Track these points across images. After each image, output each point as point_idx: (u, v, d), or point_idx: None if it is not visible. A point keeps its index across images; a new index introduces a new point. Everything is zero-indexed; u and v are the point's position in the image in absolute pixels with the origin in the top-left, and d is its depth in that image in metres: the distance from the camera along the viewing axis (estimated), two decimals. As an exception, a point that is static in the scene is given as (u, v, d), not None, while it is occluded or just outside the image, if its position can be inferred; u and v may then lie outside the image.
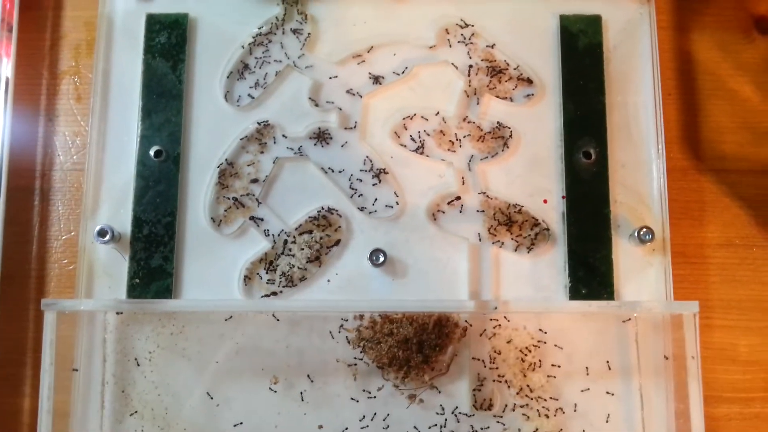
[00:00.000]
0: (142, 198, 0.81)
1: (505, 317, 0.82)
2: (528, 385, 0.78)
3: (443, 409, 0.77)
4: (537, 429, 0.78)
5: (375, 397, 0.77)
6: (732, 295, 0.83)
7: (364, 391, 0.78)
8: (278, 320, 0.83)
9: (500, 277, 0.81)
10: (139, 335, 0.82)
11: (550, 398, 0.77)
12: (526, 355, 0.79)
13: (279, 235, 0.82)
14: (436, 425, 0.77)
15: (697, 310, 0.73)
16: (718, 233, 0.85)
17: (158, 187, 0.82)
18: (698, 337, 0.73)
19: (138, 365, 0.81)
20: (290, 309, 0.78)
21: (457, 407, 0.78)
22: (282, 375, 0.78)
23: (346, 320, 0.82)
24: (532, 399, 0.77)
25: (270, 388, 0.78)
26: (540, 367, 0.78)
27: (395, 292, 0.80)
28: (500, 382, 0.77)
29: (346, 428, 0.77)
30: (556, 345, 0.78)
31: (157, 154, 0.84)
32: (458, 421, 0.77)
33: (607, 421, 0.77)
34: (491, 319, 0.81)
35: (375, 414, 0.77)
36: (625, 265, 0.81)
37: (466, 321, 0.78)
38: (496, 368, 0.78)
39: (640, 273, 0.81)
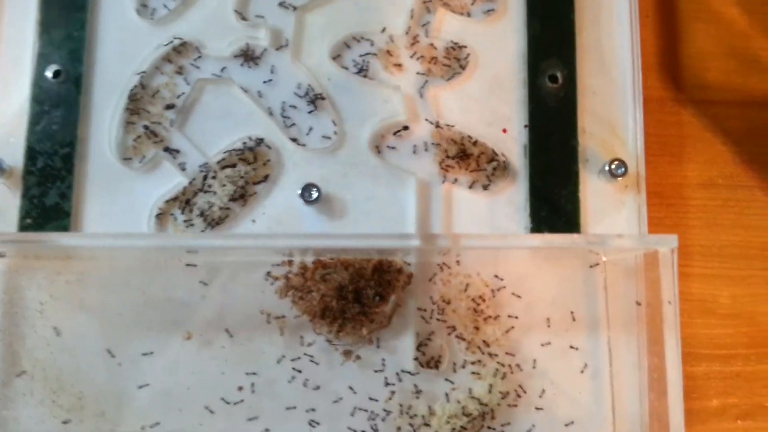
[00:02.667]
0: (37, 125, 0.72)
1: (456, 262, 0.72)
2: (482, 340, 0.70)
3: (384, 366, 0.69)
4: (490, 388, 0.70)
5: (305, 354, 0.70)
6: (713, 240, 0.77)
7: (292, 347, 0.70)
8: (194, 266, 0.72)
9: (452, 217, 0.73)
10: (29, 284, 0.71)
11: (506, 354, 0.70)
12: (479, 305, 0.71)
13: (198, 169, 0.74)
14: (375, 385, 0.69)
15: (676, 245, 0.63)
16: (698, 171, 0.79)
17: (56, 112, 0.73)
18: (677, 277, 0.64)
19: (27, 318, 0.69)
20: (199, 245, 0.66)
21: (399, 365, 0.70)
22: (197, 330, 0.70)
23: (277, 265, 0.71)
24: (485, 355, 0.70)
25: (183, 345, 0.70)
26: (495, 319, 0.71)
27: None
28: (449, 335, 0.70)
29: (271, 389, 0.69)
30: (513, 293, 0.71)
31: (56, 74, 0.74)
32: (400, 380, 0.69)
33: (569, 379, 0.70)
34: (439, 265, 0.71)
35: (304, 373, 0.69)
36: (594, 204, 0.74)
37: (409, 265, 0.69)
38: (445, 320, 0.70)
39: (611, 213, 0.74)
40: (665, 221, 0.76)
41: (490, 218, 0.73)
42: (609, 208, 0.74)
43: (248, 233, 0.72)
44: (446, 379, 0.69)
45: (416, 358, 0.69)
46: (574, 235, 0.69)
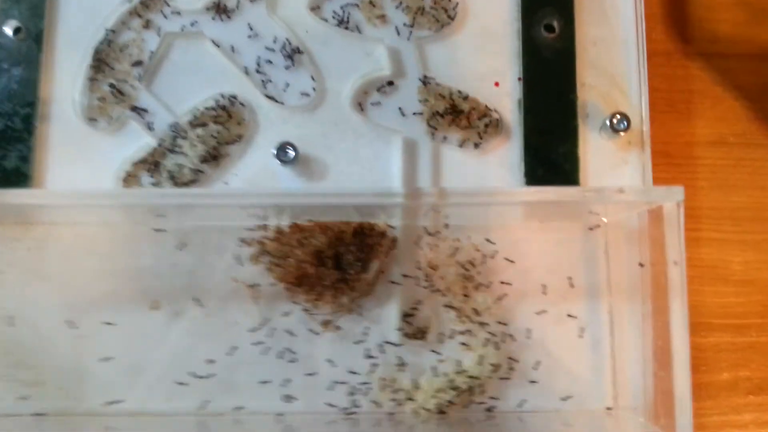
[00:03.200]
0: (-5, 85, 0.66)
1: (444, 225, 0.66)
2: (472, 308, 0.66)
3: (366, 337, 0.65)
4: (481, 360, 0.65)
5: (280, 324, 0.65)
6: (724, 202, 0.72)
7: (267, 317, 0.65)
8: (162, 231, 0.67)
9: (441, 178, 0.68)
10: (-14, 251, 0.66)
11: (498, 323, 0.65)
12: (469, 271, 0.66)
13: (167, 129, 0.69)
14: (356, 358, 0.65)
15: (682, 198, 0.57)
16: (708, 129, 0.74)
17: (15, 71, 0.69)
18: (683, 234, 0.57)
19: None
20: (166, 203, 0.60)
21: (382, 336, 0.65)
22: (165, 299, 0.66)
23: (251, 230, 0.67)
24: (475, 324, 0.65)
25: (149, 316, 0.66)
26: (487, 286, 0.66)
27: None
28: (437, 304, 0.66)
29: (244, 362, 0.65)
30: (506, 259, 0.66)
31: (16, 31, 0.70)
32: (383, 353, 0.65)
33: (567, 350, 0.65)
34: (426, 229, 0.65)
35: (280, 345, 0.65)
36: (594, 164, 0.68)
37: (393, 229, 0.65)
38: (433, 288, 0.66)
39: (613, 172, 0.68)
40: (672, 182, 0.70)
41: (482, 179, 0.68)
42: (610, 167, 0.69)
43: (219, 191, 0.67)
44: (433, 351, 0.65)
45: (401, 329, 0.65)
46: (571, 188, 0.64)
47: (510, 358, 0.65)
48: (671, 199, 0.57)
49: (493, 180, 0.68)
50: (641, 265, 0.63)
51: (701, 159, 0.74)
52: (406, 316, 0.65)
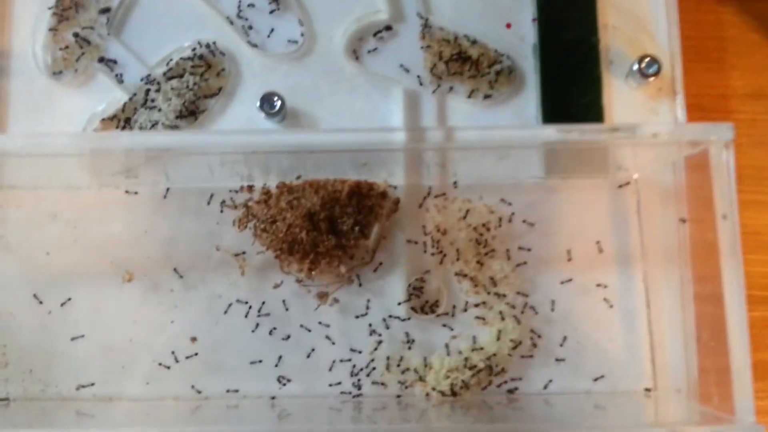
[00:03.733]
0: (-51, 36, 0.61)
1: (453, 183, 0.61)
2: (488, 277, 0.60)
3: (368, 311, 0.60)
4: (499, 335, 0.59)
5: (271, 297, 0.60)
6: (766, 160, 0.66)
7: (255, 290, 0.60)
8: (135, 194, 0.59)
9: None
10: (-62, 219, 0.60)
11: (518, 294, 0.60)
12: (482, 235, 0.60)
13: (139, 82, 0.63)
14: (357, 334, 0.59)
15: (732, 137, 0.50)
16: (745, 80, 0.68)
17: None
18: (734, 182, 0.50)
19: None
20: (133, 143, 0.52)
21: (387, 309, 0.60)
22: (139, 270, 0.60)
23: (235, 191, 0.61)
24: (491, 296, 0.60)
25: (123, 289, 0.60)
26: (504, 252, 0.60)
27: (298, 155, 0.56)
28: (447, 273, 0.60)
29: (231, 340, 0.59)
30: (525, 221, 0.61)
31: None
32: (388, 328, 0.60)
33: (597, 324, 0.60)
34: (436, 196, 0.60)
35: (271, 321, 0.59)
36: (621, 114, 0.62)
37: (395, 188, 0.60)
38: (442, 254, 0.60)
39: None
40: (707, 139, 0.64)
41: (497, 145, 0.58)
42: (639, 117, 0.62)
43: (198, 134, 0.59)
44: (445, 326, 0.60)
45: (407, 301, 0.60)
46: (599, 126, 0.56)
47: (532, 333, 0.60)
48: (719, 137, 0.49)
49: (506, 136, 0.61)
50: (683, 221, 0.56)
51: (738, 113, 0.67)
52: (413, 287, 0.60)
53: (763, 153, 0.66)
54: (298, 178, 0.59)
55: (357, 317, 0.59)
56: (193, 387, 0.59)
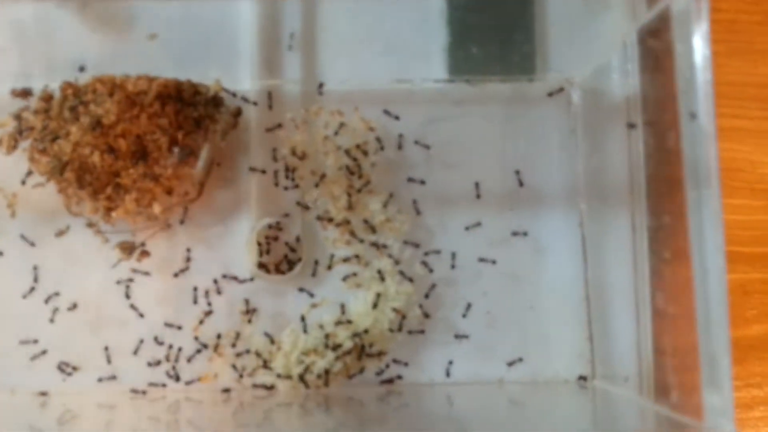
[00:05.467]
0: None
1: (318, 88, 0.48)
2: (362, 220, 0.48)
3: (192, 269, 0.47)
4: (377, 302, 0.46)
5: (52, 249, 0.47)
6: (749, 75, 0.55)
7: (29, 238, 0.46)
8: None
9: (316, 33, 0.48)
10: None
11: (405, 244, 0.48)
12: (357, 161, 0.48)
13: None
14: (176, 301, 0.47)
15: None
16: None
17: None
18: (708, 57, 0.35)
19: None
20: None
21: (220, 266, 0.47)
22: None
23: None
24: (367, 247, 0.48)
25: None
26: (387, 187, 0.48)
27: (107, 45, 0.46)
28: (307, 214, 0.48)
29: None
30: (417, 143, 0.49)
31: None
32: (220, 293, 0.47)
33: (514, 288, 0.48)
34: (290, 119, 0.48)
35: (50, 283, 0.46)
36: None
37: (234, 96, 0.47)
38: (299, 189, 0.48)
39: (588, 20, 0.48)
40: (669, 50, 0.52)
41: (381, 36, 0.49)
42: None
43: None
44: (302, 290, 0.47)
45: (250, 256, 0.48)
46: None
47: (424, 300, 0.47)
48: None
49: (401, 37, 0.49)
50: (632, 126, 0.43)
51: (714, 12, 0.55)
52: (259, 235, 0.48)
53: (745, 64, 0.55)
54: (82, 70, 0.45)
55: (175, 276, 0.46)
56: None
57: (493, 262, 0.48)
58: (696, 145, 0.36)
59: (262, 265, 0.47)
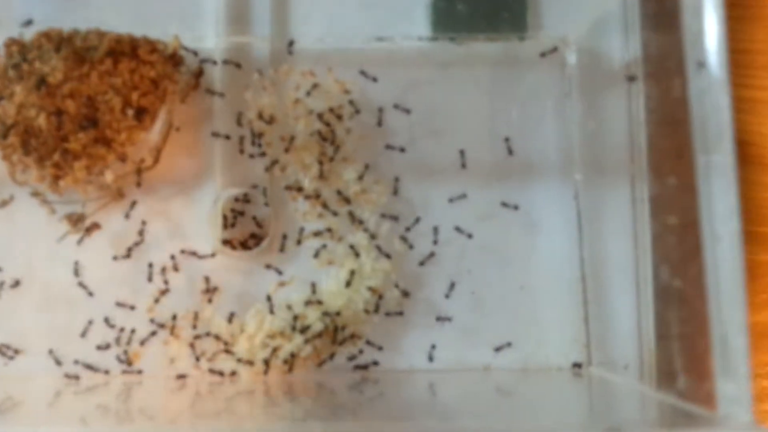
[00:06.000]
0: None
1: (288, 46, 0.44)
2: (335, 191, 0.44)
3: (148, 242, 0.44)
4: (351, 280, 0.43)
5: None
6: (763, 42, 0.52)
7: None
8: None
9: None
10: None
11: (382, 217, 0.44)
12: (330, 127, 0.44)
13: None
14: (128, 279, 0.43)
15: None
16: None
17: None
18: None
19: None
20: None
21: (178, 241, 0.44)
22: None
23: None
24: (340, 220, 0.44)
25: None
26: (363, 155, 0.45)
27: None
28: (273, 183, 0.44)
29: None
30: (397, 107, 0.45)
31: None
32: (177, 270, 0.44)
33: (503, 264, 0.45)
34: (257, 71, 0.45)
35: None
36: None
37: (196, 55, 0.44)
38: (267, 157, 0.45)
39: None
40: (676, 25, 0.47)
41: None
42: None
43: None
44: (269, 267, 0.44)
45: (215, 230, 0.44)
46: None
47: (403, 278, 0.44)
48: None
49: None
50: (631, 79, 0.40)
51: None
52: (223, 207, 0.44)
53: (757, 31, 0.51)
54: (28, 24, 0.41)
55: (129, 251, 0.42)
56: None
57: (479, 237, 0.45)
58: (706, 96, 0.32)
59: (226, 242, 0.43)
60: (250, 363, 0.42)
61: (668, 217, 0.39)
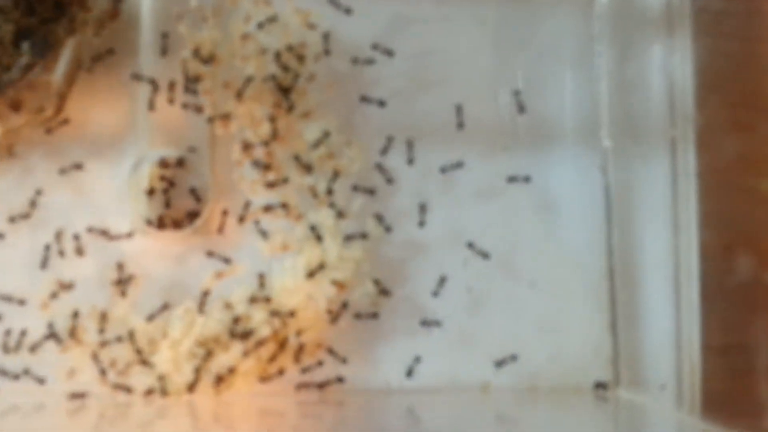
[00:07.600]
0: None
1: None
2: (293, 155, 0.38)
3: (32, 211, 0.37)
4: (312, 271, 0.37)
5: None
6: None
7: None
8: None
9: None
10: None
11: (354, 191, 0.38)
12: (288, 72, 0.38)
13: None
14: (19, 266, 0.36)
15: None
16: None
17: None
18: None
19: None
20: None
21: (91, 218, 0.37)
22: None
23: None
24: (300, 191, 0.38)
25: None
26: (329, 109, 0.39)
27: None
28: (216, 144, 0.38)
29: None
30: (377, 47, 0.39)
31: None
32: (81, 254, 0.38)
33: (507, 257, 0.38)
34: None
35: None
36: None
37: None
38: (206, 110, 0.37)
39: None
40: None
41: None
42: None
43: None
44: (210, 254, 0.38)
45: (141, 202, 0.38)
46: None
47: (380, 271, 0.39)
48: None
49: None
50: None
51: None
52: (153, 178, 0.38)
53: None
54: None
55: (12, 223, 0.35)
56: None
57: (479, 219, 0.39)
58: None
59: (154, 221, 0.36)
60: (173, 378, 0.34)
61: (722, 196, 0.34)
